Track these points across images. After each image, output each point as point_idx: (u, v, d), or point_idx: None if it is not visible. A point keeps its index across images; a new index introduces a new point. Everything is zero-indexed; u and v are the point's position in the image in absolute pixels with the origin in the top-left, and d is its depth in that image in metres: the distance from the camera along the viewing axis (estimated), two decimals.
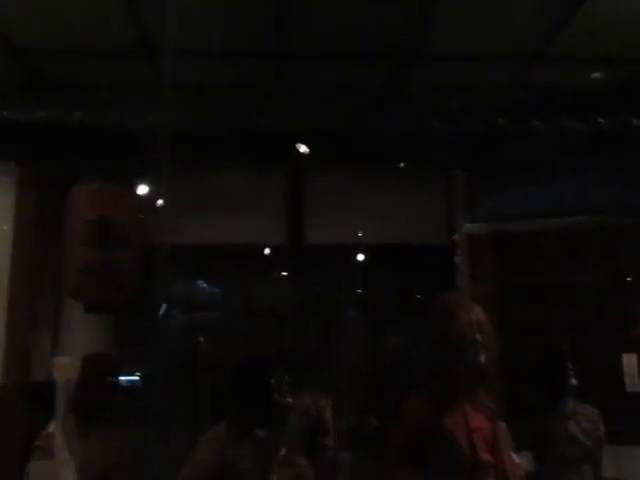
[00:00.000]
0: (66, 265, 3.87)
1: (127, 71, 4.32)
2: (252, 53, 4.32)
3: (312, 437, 3.16)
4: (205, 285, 5.10)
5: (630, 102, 4.19)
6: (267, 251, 4.79)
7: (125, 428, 3.01)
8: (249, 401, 2.51)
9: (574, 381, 3.41)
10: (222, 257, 4.71)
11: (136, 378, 4.74)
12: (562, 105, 4.18)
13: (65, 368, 3.08)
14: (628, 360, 4.69)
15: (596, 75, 4.42)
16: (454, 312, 2.50)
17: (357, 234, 4.77)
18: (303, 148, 4.74)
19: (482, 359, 2.45)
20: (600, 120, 3.96)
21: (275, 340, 4.38)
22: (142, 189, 4.49)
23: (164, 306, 5.09)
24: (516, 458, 3.10)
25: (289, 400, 3.11)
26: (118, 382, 3.22)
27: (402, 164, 4.94)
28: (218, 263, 4.80)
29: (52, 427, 2.89)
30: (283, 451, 2.40)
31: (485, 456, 2.43)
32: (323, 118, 4.36)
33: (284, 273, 4.97)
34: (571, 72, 4.36)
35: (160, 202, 4.50)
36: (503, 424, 3.08)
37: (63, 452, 2.75)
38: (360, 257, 4.96)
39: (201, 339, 4.84)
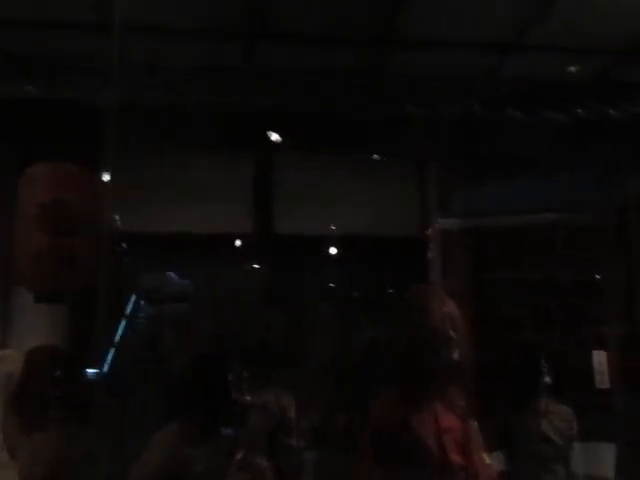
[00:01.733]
0: (17, 251, 3.61)
1: (89, 47, 4.09)
2: (221, 33, 4.13)
3: (274, 436, 2.99)
4: (171, 275, 4.89)
5: (608, 94, 4.11)
6: (234, 241, 4.58)
7: (74, 426, 2.79)
8: (204, 398, 2.32)
9: (548, 379, 3.31)
10: (187, 246, 4.51)
11: (92, 372, 4.50)
12: (540, 95, 4.08)
13: (6, 361, 2.86)
14: (598, 357, 4.67)
15: (572, 69, 4.36)
16: (426, 306, 2.36)
17: (328, 224, 4.60)
18: (275, 137, 4.57)
19: (455, 356, 2.32)
20: (578, 111, 3.87)
21: (239, 334, 4.18)
22: (102, 172, 4.24)
23: (133, 297, 4.88)
24: (487, 459, 3.00)
25: (248, 398, 2.93)
26: (68, 377, 2.99)
27: (376, 156, 4.83)
28: (183, 252, 4.59)
29: None
30: (240, 454, 2.22)
31: (455, 458, 2.32)
32: (294, 102, 4.18)
33: (251, 264, 4.77)
34: (550, 63, 4.27)
35: (122, 187, 4.30)
36: (475, 423, 2.97)
37: (1, 452, 2.54)
38: (330, 248, 4.79)
39: (165, 331, 4.63)
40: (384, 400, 2.36)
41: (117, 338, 4.83)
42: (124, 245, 4.67)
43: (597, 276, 5.09)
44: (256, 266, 4.69)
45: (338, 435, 3.27)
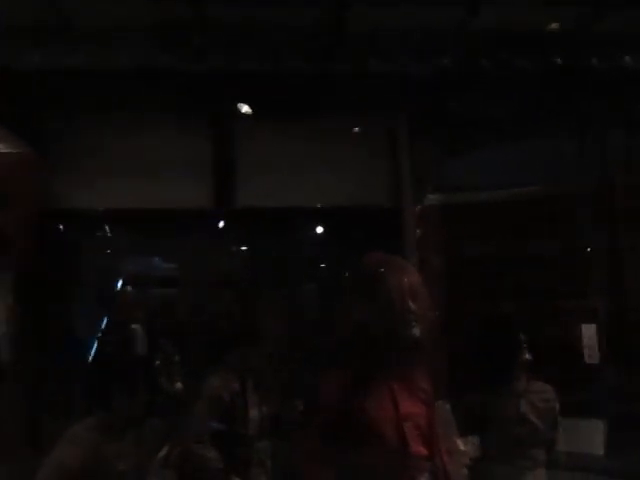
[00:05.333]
0: None
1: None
2: None
3: (224, 425, 2.70)
4: (123, 253, 4.56)
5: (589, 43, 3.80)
6: (190, 216, 4.24)
7: None
8: (125, 388, 2.02)
9: (527, 356, 3.04)
10: (139, 223, 4.18)
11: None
12: (515, 48, 3.76)
13: None
14: (587, 331, 4.46)
15: (554, 25, 4.05)
16: (382, 275, 2.06)
17: (294, 196, 4.27)
18: (245, 108, 4.24)
19: (416, 333, 2.04)
20: (557, 60, 3.55)
21: (189, 314, 3.87)
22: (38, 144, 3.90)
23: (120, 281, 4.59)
24: (461, 444, 2.78)
25: (178, 385, 2.62)
26: None
27: (357, 129, 4.54)
28: (136, 229, 4.26)
29: None
30: (164, 451, 1.93)
31: (418, 448, 2.05)
32: (251, 62, 3.83)
33: (209, 240, 4.42)
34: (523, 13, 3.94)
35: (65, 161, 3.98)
36: (447, 406, 2.73)
37: None
38: (295, 222, 4.48)
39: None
40: (334, 384, 2.07)
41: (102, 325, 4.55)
42: (107, 228, 4.37)
43: (586, 248, 4.89)
44: (212, 241, 4.34)
45: (297, 422, 3.00)
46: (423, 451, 2.05)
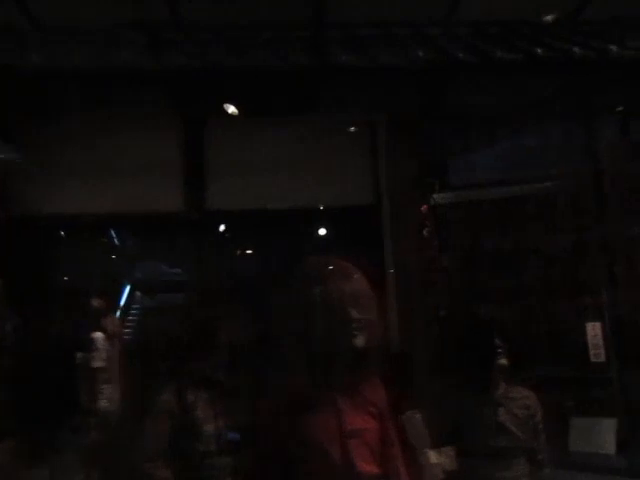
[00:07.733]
0: None
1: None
2: None
3: (181, 442, 2.56)
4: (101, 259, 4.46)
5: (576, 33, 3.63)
6: (161, 219, 4.13)
7: None
8: (43, 406, 1.88)
9: (504, 361, 2.86)
10: (106, 226, 4.07)
11: None
12: (495, 36, 3.60)
13: None
14: (592, 329, 4.37)
15: (549, 17, 3.90)
16: (322, 281, 1.91)
17: (263, 199, 4.14)
18: (231, 109, 4.12)
19: (359, 342, 1.88)
20: (538, 50, 3.37)
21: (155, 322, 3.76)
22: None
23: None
24: (434, 457, 2.63)
25: (103, 404, 2.46)
26: None
27: (353, 128, 4.41)
28: (96, 233, 4.15)
29: None
30: (81, 474, 1.80)
31: (367, 466, 1.90)
32: (223, 60, 3.70)
33: (181, 243, 4.31)
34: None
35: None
36: (418, 416, 2.59)
37: None
38: (269, 224, 4.34)
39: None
40: (274, 400, 1.94)
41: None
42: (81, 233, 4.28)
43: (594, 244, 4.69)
44: (181, 244, 4.22)
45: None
46: (373, 469, 1.91)
